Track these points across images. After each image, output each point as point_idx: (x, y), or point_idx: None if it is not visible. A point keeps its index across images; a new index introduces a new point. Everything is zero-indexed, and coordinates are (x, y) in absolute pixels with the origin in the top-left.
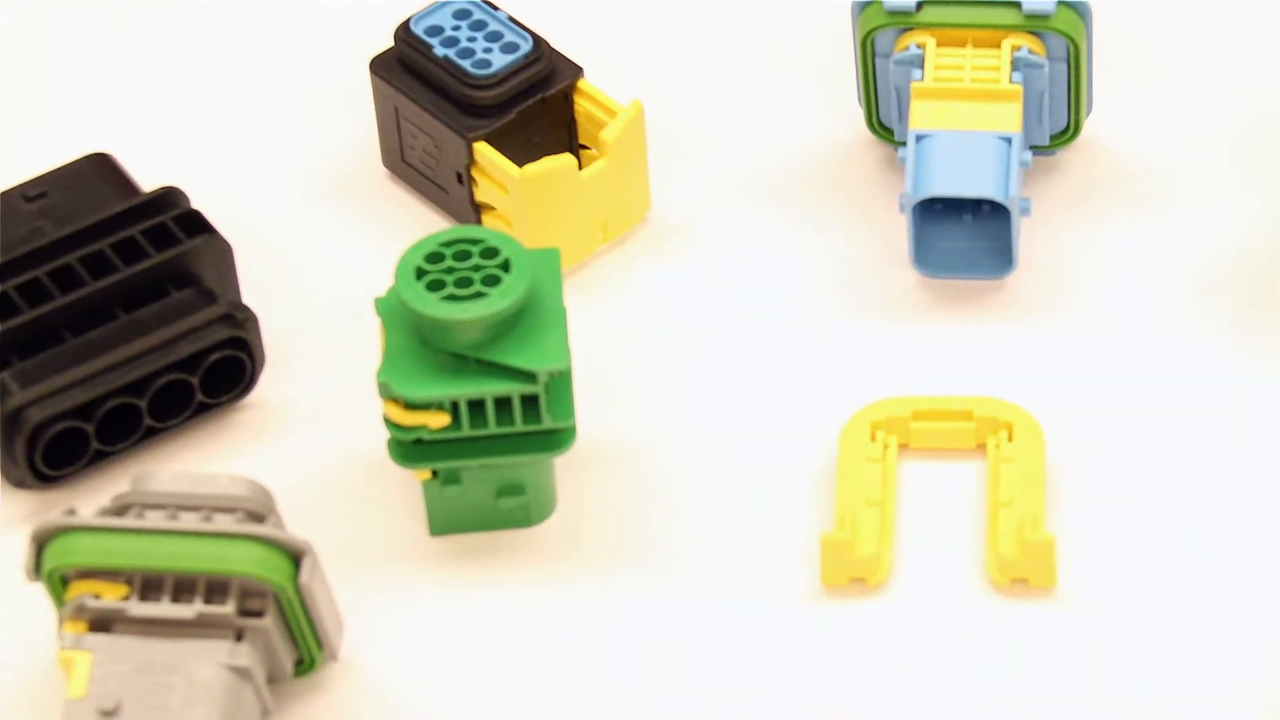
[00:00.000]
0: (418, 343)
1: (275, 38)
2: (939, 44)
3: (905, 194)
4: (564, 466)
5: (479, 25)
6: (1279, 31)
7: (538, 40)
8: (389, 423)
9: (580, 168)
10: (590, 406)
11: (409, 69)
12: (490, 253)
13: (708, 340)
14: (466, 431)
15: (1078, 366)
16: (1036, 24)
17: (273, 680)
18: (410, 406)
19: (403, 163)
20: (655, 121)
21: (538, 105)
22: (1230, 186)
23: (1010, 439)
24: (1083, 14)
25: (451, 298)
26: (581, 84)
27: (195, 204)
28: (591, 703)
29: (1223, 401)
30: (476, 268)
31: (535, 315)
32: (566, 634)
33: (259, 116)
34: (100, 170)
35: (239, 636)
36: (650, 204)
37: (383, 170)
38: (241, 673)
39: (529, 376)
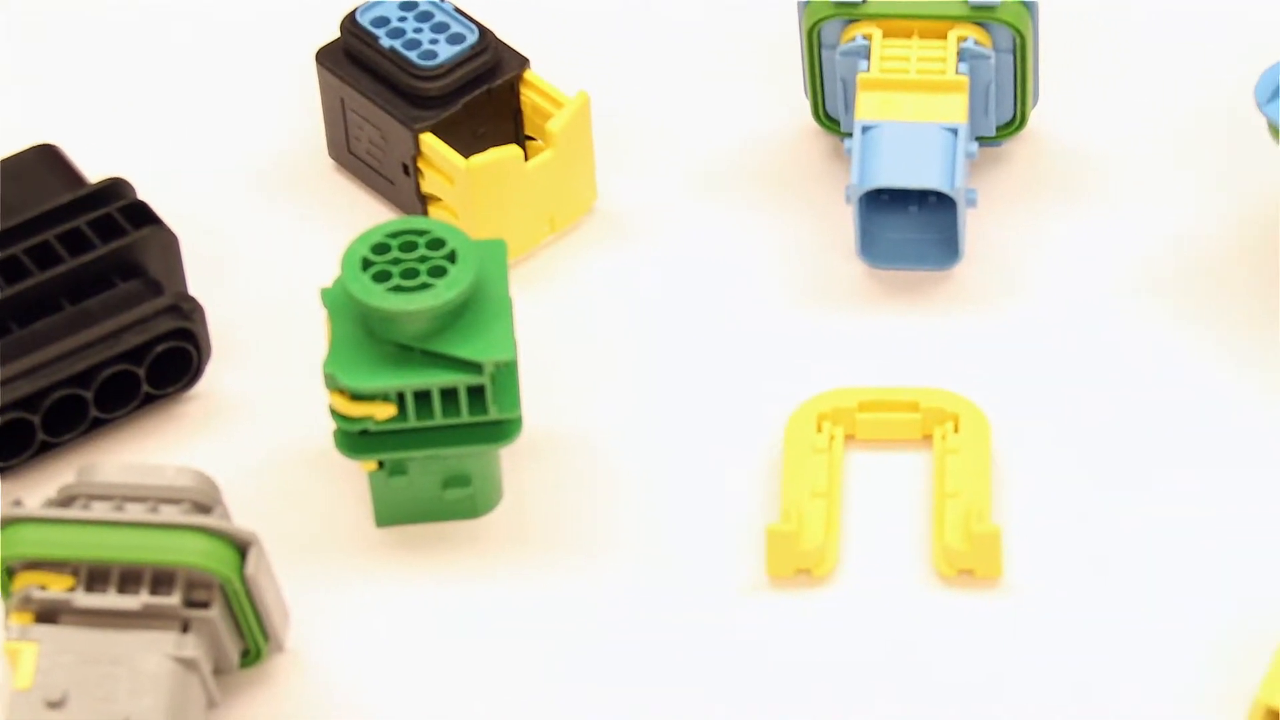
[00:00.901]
0: (364, 334)
1: (221, 29)
2: (885, 35)
3: (851, 185)
4: (510, 457)
5: (425, 16)
6: (1224, 23)
7: (484, 31)
8: (335, 414)
9: (526, 159)
10: (536, 398)
11: (355, 60)
12: (436, 244)
13: (654, 332)
14: (413, 422)
15: (1024, 358)
16: (982, 15)
17: (219, 671)
18: (356, 397)
19: (349, 154)
20: (602, 113)
21: (484, 96)
22: (1176, 178)
23: (956, 430)
24: (1029, 5)
25: (398, 289)
26: (528, 75)
27: (141, 195)
28: (535, 693)
29: (1168, 392)
30: (423, 259)
31: (481, 306)
32: (512, 625)
33: (205, 108)
34: (46, 161)
35: (185, 627)
36: (597, 195)
37: (329, 161)
38: (187, 664)
39: (475, 368)
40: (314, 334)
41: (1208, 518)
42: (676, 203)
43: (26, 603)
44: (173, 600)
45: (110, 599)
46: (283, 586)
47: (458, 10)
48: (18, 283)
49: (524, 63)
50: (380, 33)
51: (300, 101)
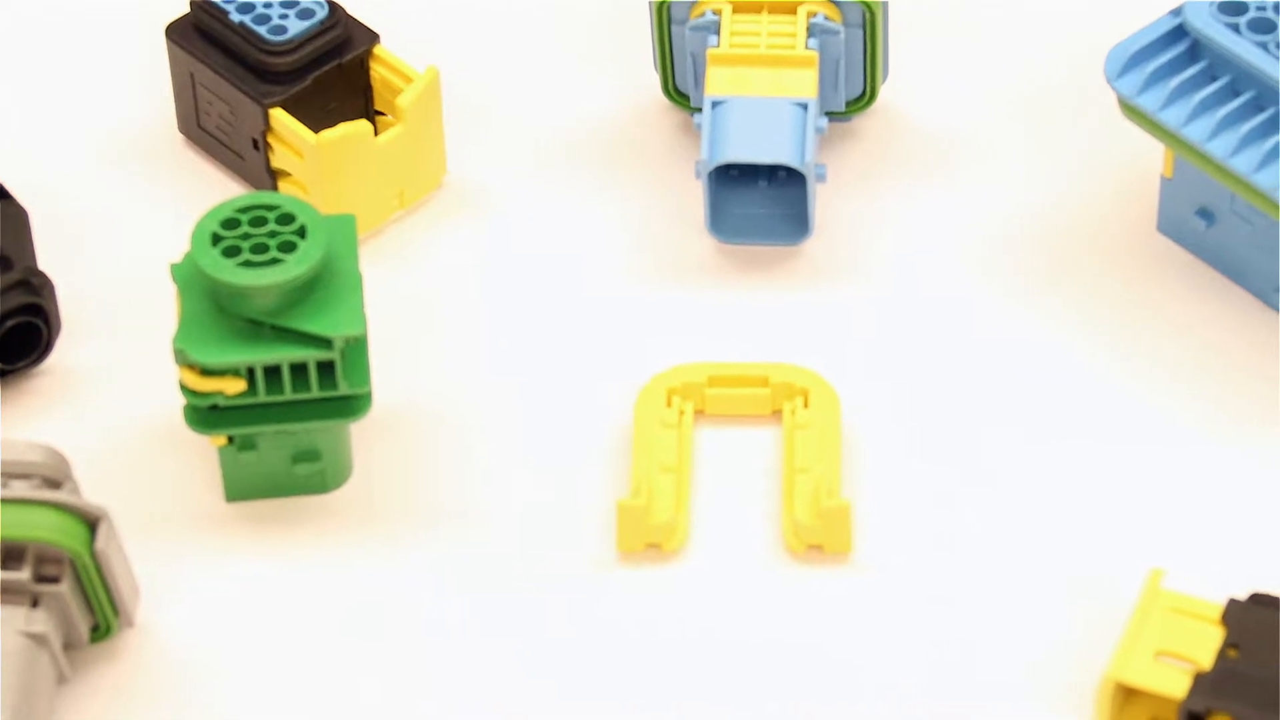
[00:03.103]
0: (214, 309)
1: (70, 3)
2: (735, 10)
3: (701, 160)
4: (360, 433)
5: None
6: None
7: (334, 6)
8: (185, 389)
9: (376, 134)
10: (386, 373)
11: (205, 35)
12: (286, 219)
13: (504, 306)
14: (262, 397)
15: (874, 332)
16: None
17: (69, 646)
18: (206, 372)
19: (199, 129)
20: (451, 88)
21: (334, 71)
22: (1026, 153)
23: (806, 405)
24: None
25: (247, 264)
26: (377, 50)
27: None
28: (385, 669)
29: (1017, 367)
30: (272, 234)
31: (331, 281)
32: (362, 600)
33: (55, 83)
34: None
35: (35, 603)
36: (446, 170)
37: (179, 136)
38: (38, 639)
39: (325, 343)
40: (164, 309)
41: (1056, 493)
42: (526, 178)
43: None
44: (22, 575)
45: None
46: (133, 561)
47: None
48: None
49: (374, 38)
50: (230, 8)
51: (150, 76)
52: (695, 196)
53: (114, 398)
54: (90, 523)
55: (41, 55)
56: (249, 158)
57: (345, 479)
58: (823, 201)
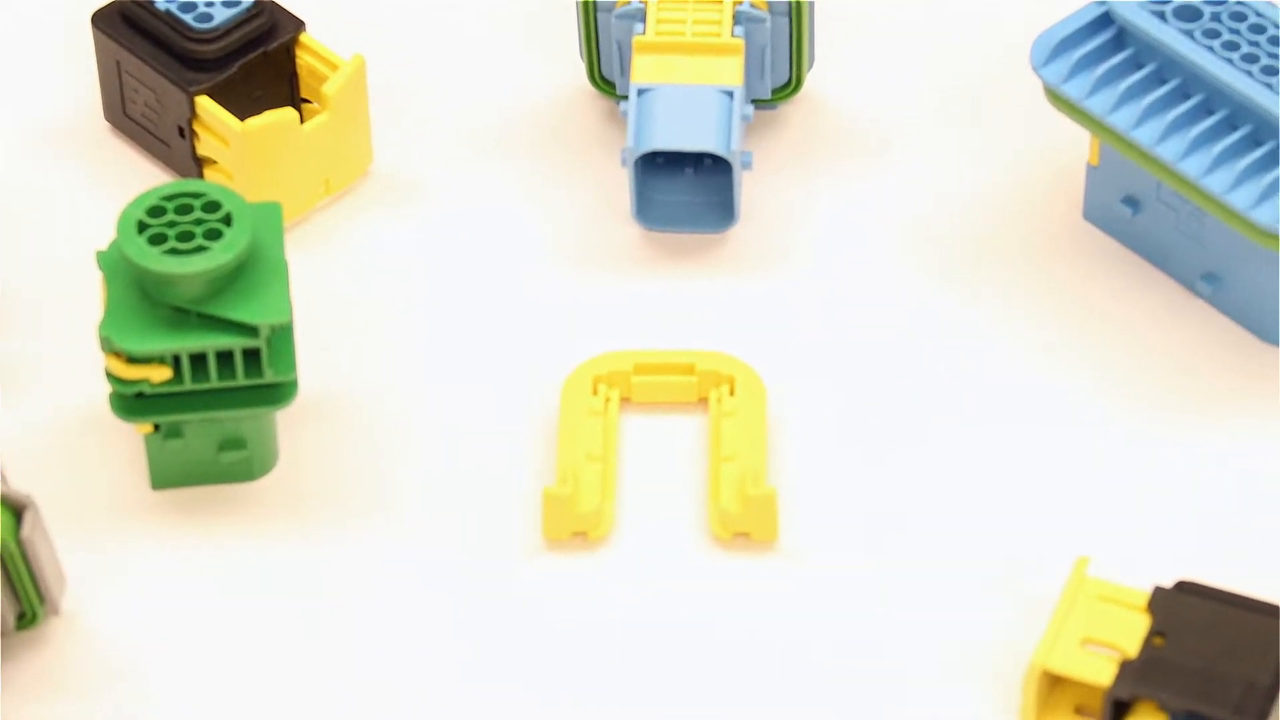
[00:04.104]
0: (140, 296)
1: None
2: None
3: (627, 148)
4: (285, 420)
5: None
6: None
7: None
8: (111, 376)
9: (302, 122)
10: (312, 360)
11: (131, 23)
12: (212, 206)
13: (430, 294)
14: (188, 385)
15: (800, 320)
16: None
17: None
18: (132, 360)
19: (124, 117)
20: (377, 75)
21: (260, 59)
22: (950, 141)
23: (732, 393)
24: None
25: (173, 251)
26: (303, 38)
27: None
28: (311, 655)
29: (943, 355)
30: (198, 221)
31: (257, 269)
32: (288, 588)
33: None
34: None
35: None
36: (372, 158)
37: (104, 124)
38: None
39: (251, 330)
40: (91, 297)
41: (982, 480)
42: (452, 165)
43: None
44: None
45: None
46: (59, 550)
47: None
48: None
49: (299, 26)
50: None
51: (76, 64)
52: (621, 184)
53: (39, 385)
54: (16, 511)
55: None
56: (175, 145)
57: (271, 467)
58: (748, 189)
